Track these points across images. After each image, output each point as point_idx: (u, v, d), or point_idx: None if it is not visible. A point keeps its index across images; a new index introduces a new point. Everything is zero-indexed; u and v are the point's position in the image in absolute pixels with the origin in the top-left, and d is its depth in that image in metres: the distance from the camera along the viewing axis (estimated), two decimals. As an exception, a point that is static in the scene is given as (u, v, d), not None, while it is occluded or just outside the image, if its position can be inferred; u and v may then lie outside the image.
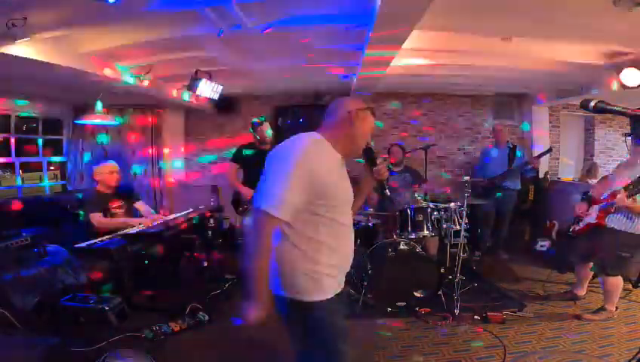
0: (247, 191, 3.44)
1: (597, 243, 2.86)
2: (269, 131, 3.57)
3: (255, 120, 3.59)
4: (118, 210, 3.40)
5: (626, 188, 2.65)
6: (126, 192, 3.57)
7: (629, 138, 2.77)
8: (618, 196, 2.61)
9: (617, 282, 2.81)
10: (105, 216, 3.31)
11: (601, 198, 2.89)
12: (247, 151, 3.60)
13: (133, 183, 5.30)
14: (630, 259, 2.79)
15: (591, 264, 2.99)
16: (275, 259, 1.33)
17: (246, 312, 1.28)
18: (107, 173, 3.40)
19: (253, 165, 3.49)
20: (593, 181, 4.42)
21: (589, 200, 3.00)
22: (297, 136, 1.38)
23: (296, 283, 1.33)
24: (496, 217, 4.53)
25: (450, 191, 5.23)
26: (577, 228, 3.05)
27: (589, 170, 5.02)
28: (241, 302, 1.29)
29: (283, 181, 1.25)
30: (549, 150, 4.53)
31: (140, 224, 3.20)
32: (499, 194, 4.38)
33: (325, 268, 1.35)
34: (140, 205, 3.57)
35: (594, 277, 3.19)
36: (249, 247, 1.28)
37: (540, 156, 4.41)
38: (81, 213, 3.39)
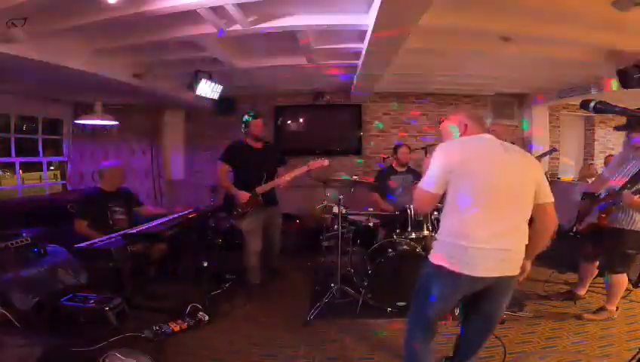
0: (243, 195, 3.30)
1: (602, 242, 2.86)
2: (260, 128, 3.41)
3: (247, 116, 3.44)
4: (117, 208, 3.43)
5: (623, 188, 2.65)
6: (127, 195, 3.60)
7: (624, 134, 2.80)
8: (625, 193, 2.60)
9: (623, 280, 2.82)
10: (105, 214, 3.35)
11: (600, 198, 2.90)
12: (239, 150, 3.41)
13: (136, 190, 5.31)
14: (636, 256, 2.80)
15: (597, 263, 2.99)
16: None
17: None
18: (113, 172, 3.45)
19: (244, 164, 3.37)
20: (591, 181, 4.44)
21: (591, 199, 3.00)
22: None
23: None
24: None
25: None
26: (580, 227, 3.05)
27: (586, 170, 5.04)
28: None
29: None
30: (553, 150, 4.52)
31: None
32: None
33: None
34: (142, 209, 3.64)
35: (596, 276, 3.19)
36: None
37: (542, 156, 4.41)
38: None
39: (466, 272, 1.60)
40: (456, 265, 1.61)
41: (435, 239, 1.74)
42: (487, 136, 1.78)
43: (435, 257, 1.70)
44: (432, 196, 1.68)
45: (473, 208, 1.60)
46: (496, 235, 1.61)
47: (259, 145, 3.43)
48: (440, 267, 1.65)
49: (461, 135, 1.83)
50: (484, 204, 1.61)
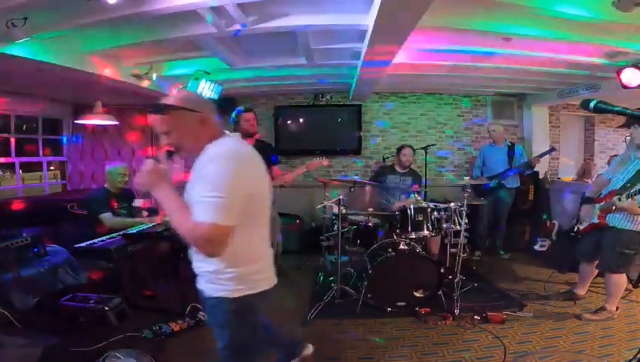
0: None
1: (601, 242, 2.86)
2: (253, 122, 3.25)
3: (236, 110, 3.29)
4: (122, 211, 3.46)
5: (624, 189, 2.65)
6: (131, 197, 3.62)
7: (628, 136, 2.80)
8: (626, 205, 2.60)
9: (621, 280, 2.82)
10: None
11: (600, 197, 2.90)
12: None
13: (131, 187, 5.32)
14: (635, 257, 2.80)
15: (596, 263, 2.99)
16: None
17: None
18: (119, 174, 3.48)
19: None
20: (589, 181, 4.44)
21: (591, 202, 3.00)
22: None
23: None
24: (495, 215, 4.54)
25: (449, 191, 5.23)
26: (581, 228, 3.05)
27: (583, 171, 5.03)
28: None
29: None
30: (552, 150, 4.52)
31: (149, 221, 3.27)
32: (503, 194, 4.39)
33: None
34: (137, 202, 3.62)
35: (596, 276, 3.19)
36: None
37: (541, 155, 4.41)
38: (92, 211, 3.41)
39: (271, 284, 1.52)
40: (264, 284, 1.48)
41: (225, 273, 1.38)
42: (236, 135, 1.57)
43: (240, 290, 1.40)
44: (232, 230, 1.28)
45: (260, 229, 1.49)
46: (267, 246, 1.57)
47: (250, 142, 3.17)
48: (250, 296, 1.42)
49: (200, 134, 1.45)
50: (264, 221, 1.51)
